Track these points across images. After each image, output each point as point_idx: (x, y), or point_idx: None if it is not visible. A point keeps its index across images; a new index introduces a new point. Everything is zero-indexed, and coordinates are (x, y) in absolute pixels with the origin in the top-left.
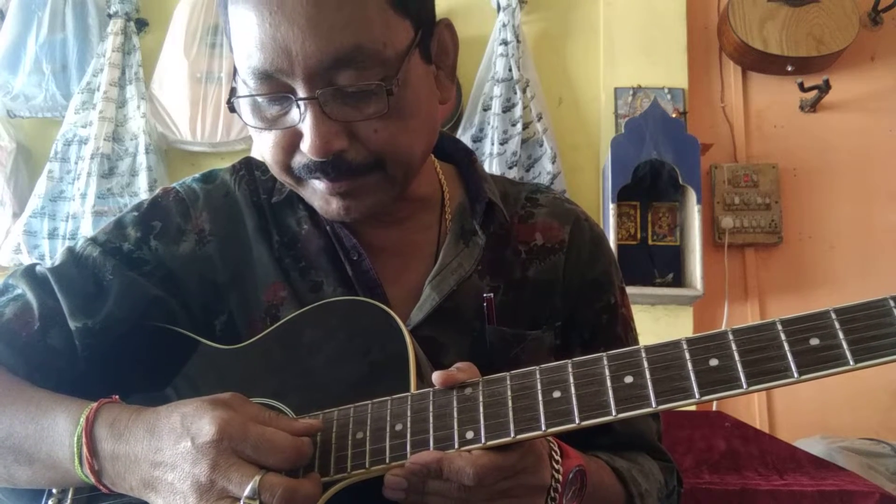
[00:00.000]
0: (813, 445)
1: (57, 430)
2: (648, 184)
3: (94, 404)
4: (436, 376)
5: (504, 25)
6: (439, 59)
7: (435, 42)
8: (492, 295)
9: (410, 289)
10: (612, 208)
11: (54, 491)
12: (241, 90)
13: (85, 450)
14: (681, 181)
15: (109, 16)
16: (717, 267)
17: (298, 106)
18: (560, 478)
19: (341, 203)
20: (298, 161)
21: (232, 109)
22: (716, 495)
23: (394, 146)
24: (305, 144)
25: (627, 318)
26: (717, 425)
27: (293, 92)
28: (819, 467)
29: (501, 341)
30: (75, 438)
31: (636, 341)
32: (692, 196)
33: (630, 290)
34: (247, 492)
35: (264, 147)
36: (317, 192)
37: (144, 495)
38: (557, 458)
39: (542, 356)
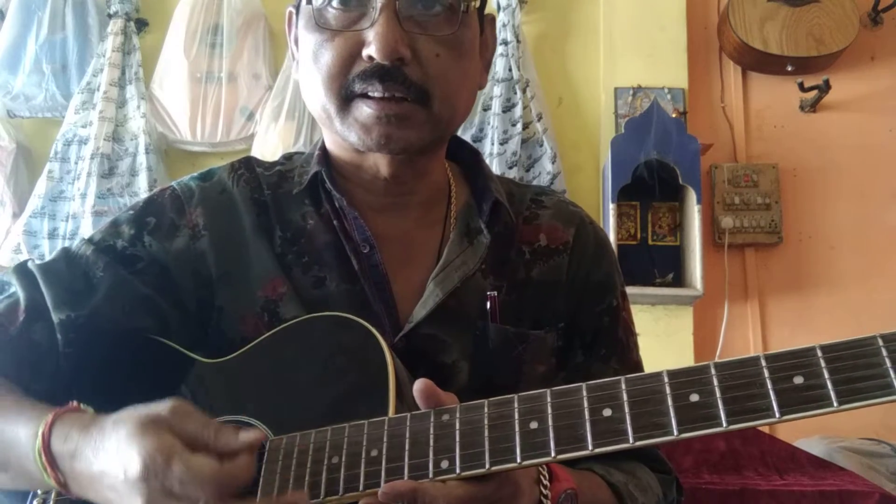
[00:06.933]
0: (813, 445)
1: (20, 443)
2: (648, 184)
3: (50, 417)
4: (418, 384)
5: (504, 25)
6: (483, 46)
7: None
8: (495, 293)
9: (413, 285)
10: (612, 208)
11: (39, 492)
12: (316, 2)
13: (47, 466)
14: (681, 181)
15: (109, 16)
16: (717, 267)
17: (374, 8)
18: (549, 503)
19: (383, 130)
20: (356, 70)
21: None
22: (716, 495)
23: (446, 80)
24: (371, 47)
25: (628, 322)
26: None
27: None
28: (819, 467)
29: (504, 340)
30: (36, 454)
31: (636, 346)
32: (692, 196)
33: (630, 290)
34: None
35: (321, 63)
36: (359, 119)
37: None
38: (546, 482)
39: (545, 356)
